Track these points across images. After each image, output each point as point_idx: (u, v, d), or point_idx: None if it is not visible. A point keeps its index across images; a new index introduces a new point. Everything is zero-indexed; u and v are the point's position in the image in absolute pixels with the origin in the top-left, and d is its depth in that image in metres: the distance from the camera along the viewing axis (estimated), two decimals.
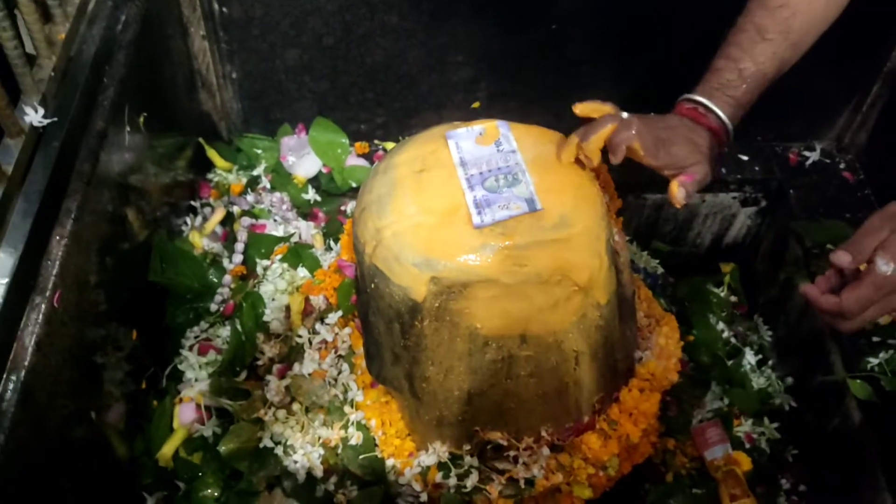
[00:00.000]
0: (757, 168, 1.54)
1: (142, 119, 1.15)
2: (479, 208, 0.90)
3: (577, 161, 0.97)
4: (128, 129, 1.11)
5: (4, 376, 0.80)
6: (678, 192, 0.96)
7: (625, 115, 0.96)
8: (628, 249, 1.08)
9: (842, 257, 0.83)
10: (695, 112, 1.01)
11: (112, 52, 1.13)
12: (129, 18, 1.17)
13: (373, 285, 0.95)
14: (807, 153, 1.55)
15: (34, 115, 1.04)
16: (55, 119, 1.04)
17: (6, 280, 0.87)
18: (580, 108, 0.98)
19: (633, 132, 0.93)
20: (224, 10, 1.35)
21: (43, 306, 0.86)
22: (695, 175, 0.97)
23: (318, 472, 1.10)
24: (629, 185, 1.45)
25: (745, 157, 1.55)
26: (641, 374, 1.09)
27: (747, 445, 1.35)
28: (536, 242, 0.89)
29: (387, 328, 0.98)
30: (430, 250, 0.89)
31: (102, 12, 1.18)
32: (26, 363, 0.81)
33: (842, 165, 1.54)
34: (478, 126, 1.00)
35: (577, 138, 0.96)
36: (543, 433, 1.03)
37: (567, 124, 1.18)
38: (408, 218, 0.92)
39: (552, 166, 0.96)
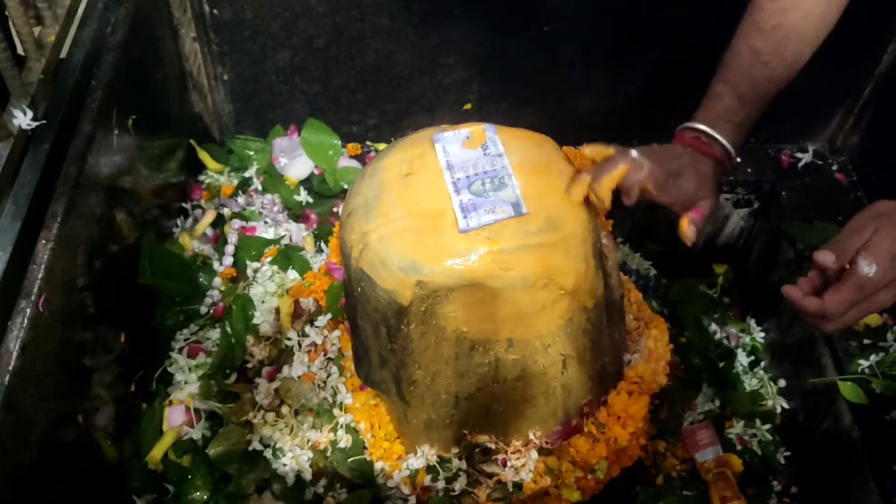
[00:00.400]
0: (749, 170, 1.54)
1: (130, 121, 1.15)
2: (465, 212, 0.90)
3: (587, 200, 0.95)
4: (116, 131, 1.11)
5: None
6: (689, 229, 0.96)
7: (634, 153, 0.95)
8: (617, 252, 1.08)
9: (825, 257, 0.82)
10: (698, 142, 1.01)
11: (101, 55, 1.13)
12: (119, 20, 1.16)
13: (359, 289, 0.95)
14: (799, 155, 1.54)
15: (23, 118, 1.04)
16: (44, 122, 1.04)
17: None
18: (589, 151, 0.98)
19: (646, 172, 0.92)
20: (214, 11, 1.35)
21: (28, 310, 0.86)
22: (703, 210, 0.97)
23: (308, 475, 1.10)
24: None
25: (737, 159, 1.54)
26: (630, 377, 1.09)
27: (739, 447, 1.35)
28: (522, 246, 0.89)
29: (374, 331, 0.98)
30: (416, 254, 0.89)
31: (93, 14, 1.18)
32: (10, 367, 0.81)
33: (834, 167, 1.54)
34: (465, 129, 1.00)
35: (588, 178, 0.94)
36: (531, 436, 1.03)
37: (559, 126, 1.18)
38: (394, 221, 0.92)
39: (539, 170, 0.95)
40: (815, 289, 0.85)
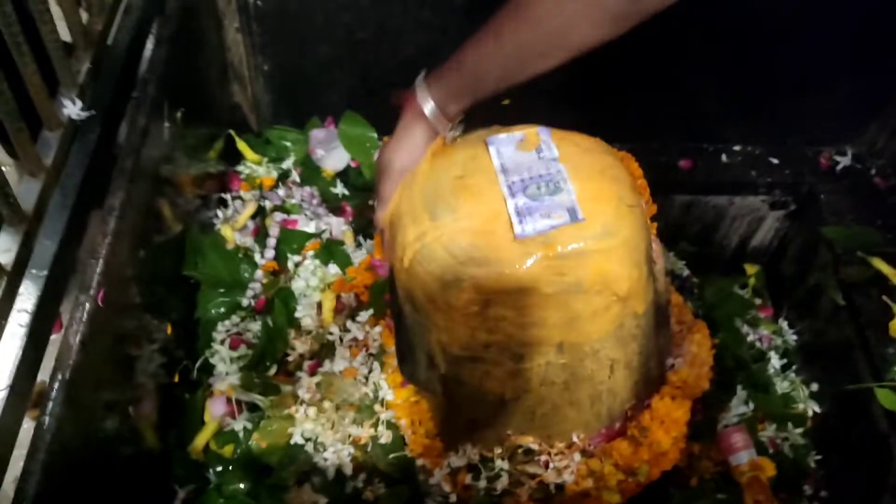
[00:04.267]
0: (787, 171, 1.53)
1: (180, 114, 1.15)
2: (521, 216, 0.90)
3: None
4: (167, 123, 1.12)
5: (50, 375, 0.81)
6: None
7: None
8: (664, 257, 1.08)
9: None
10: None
11: (148, 45, 1.13)
12: (169, 11, 1.16)
13: (411, 290, 0.95)
14: (838, 158, 1.53)
15: (73, 108, 1.04)
16: (92, 112, 1.04)
17: (45, 273, 0.87)
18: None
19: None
20: (259, 2, 1.34)
21: (87, 304, 0.86)
22: None
23: (348, 470, 1.11)
24: (657, 185, 1.45)
25: (775, 161, 1.54)
26: (673, 382, 1.10)
27: (770, 451, 1.35)
28: (578, 252, 0.89)
29: (423, 331, 0.98)
30: (471, 258, 0.89)
31: (138, 3, 1.17)
32: (71, 362, 0.82)
33: (873, 171, 1.53)
34: (518, 132, 1.00)
35: None
36: (575, 438, 1.03)
37: (596, 122, 1.17)
38: (447, 224, 0.92)
39: (593, 174, 0.95)
40: None
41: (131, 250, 1.01)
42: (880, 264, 1.36)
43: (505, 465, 1.05)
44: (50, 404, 0.79)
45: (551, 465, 1.04)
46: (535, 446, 1.04)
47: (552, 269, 0.88)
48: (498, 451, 1.05)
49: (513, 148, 0.97)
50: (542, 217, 0.90)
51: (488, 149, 0.97)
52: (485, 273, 0.89)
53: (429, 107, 0.98)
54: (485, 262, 0.89)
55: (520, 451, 1.05)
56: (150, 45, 1.14)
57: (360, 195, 1.48)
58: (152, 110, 1.06)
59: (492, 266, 0.89)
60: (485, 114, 1.10)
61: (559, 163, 0.95)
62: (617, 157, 1.01)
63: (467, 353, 0.96)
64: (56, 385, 0.80)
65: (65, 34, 1.10)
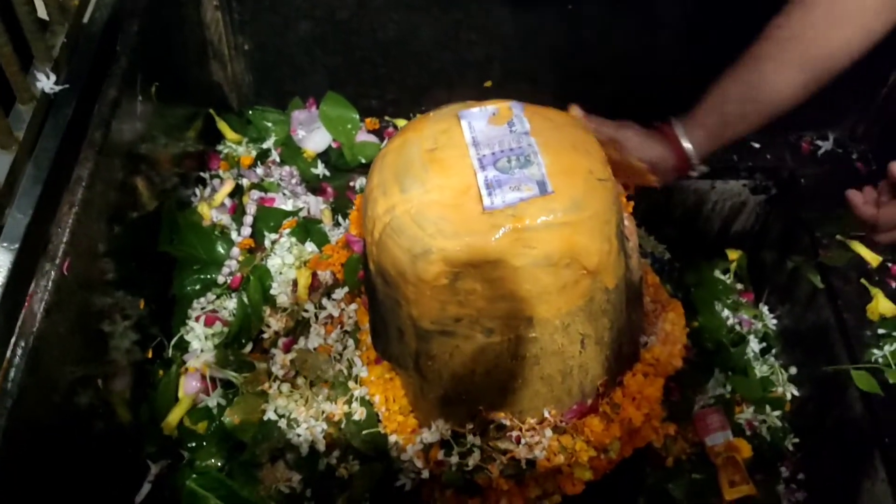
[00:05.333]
0: (768, 156, 1.53)
1: (154, 88, 1.15)
2: (490, 189, 0.90)
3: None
4: (140, 98, 1.11)
5: (13, 342, 0.81)
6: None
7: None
8: (637, 234, 1.08)
9: None
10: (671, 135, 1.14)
11: (125, 20, 1.12)
12: None
13: (381, 263, 0.95)
14: (819, 142, 1.53)
15: (46, 82, 1.04)
16: (67, 86, 1.04)
17: (16, 245, 0.87)
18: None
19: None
20: None
21: (52, 273, 0.86)
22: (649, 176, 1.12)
23: (321, 447, 1.11)
24: None
25: (756, 145, 1.53)
26: (646, 359, 1.10)
27: (748, 433, 1.35)
28: (546, 225, 0.88)
29: (394, 306, 0.98)
30: (440, 230, 0.89)
31: None
32: (35, 329, 0.82)
33: (854, 156, 1.53)
34: (491, 106, 0.99)
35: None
36: (546, 414, 1.03)
37: (581, 106, 1.17)
38: (418, 197, 0.91)
39: (564, 148, 0.95)
40: (876, 201, 0.94)
41: (102, 223, 1.00)
42: (859, 248, 1.36)
43: (477, 440, 1.05)
44: (12, 371, 0.79)
45: (523, 440, 1.03)
46: (506, 422, 1.04)
47: (521, 242, 0.88)
48: (470, 426, 1.05)
49: (485, 122, 0.97)
50: (511, 190, 0.90)
51: (460, 122, 0.97)
52: (453, 245, 0.88)
53: (688, 147, 1.11)
54: (454, 234, 0.89)
55: (492, 426, 1.05)
56: (126, 20, 1.13)
57: (341, 175, 1.48)
58: (124, 83, 1.05)
59: (461, 238, 0.88)
60: (467, 96, 1.10)
61: (530, 136, 0.95)
62: (590, 131, 1.00)
63: (437, 328, 0.96)
64: (19, 352, 0.80)
65: (42, 13, 1.10)
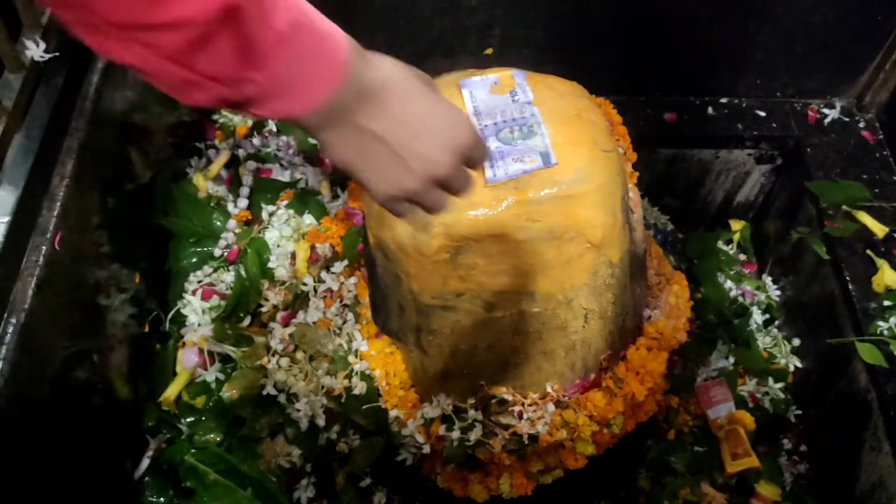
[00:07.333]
0: (774, 125, 1.50)
1: None
2: (493, 161, 0.87)
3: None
4: None
5: (4, 318, 0.79)
6: None
7: None
8: (642, 206, 1.06)
9: None
10: None
11: None
12: None
13: (380, 237, 0.93)
14: (826, 111, 1.51)
15: (36, 50, 1.01)
16: (57, 54, 1.01)
17: (7, 219, 0.85)
18: None
19: None
20: None
21: (43, 248, 0.84)
22: None
23: (321, 421, 1.10)
24: (641, 138, 1.42)
25: (762, 113, 1.51)
26: (650, 333, 1.08)
27: (751, 405, 1.35)
28: (550, 198, 0.86)
29: (394, 280, 0.96)
30: None
31: None
32: (26, 305, 0.80)
33: (861, 124, 1.50)
34: (493, 75, 0.96)
35: None
36: (549, 389, 1.02)
37: (580, 75, 1.14)
38: None
39: (569, 119, 0.92)
40: None
41: (94, 196, 0.98)
42: (865, 218, 1.34)
43: (478, 415, 1.04)
44: (3, 348, 0.77)
45: (525, 415, 1.02)
46: (508, 397, 1.02)
47: (524, 215, 0.86)
48: (471, 401, 1.04)
49: (486, 91, 0.94)
50: (514, 161, 0.87)
51: (461, 92, 0.94)
52: (455, 219, 0.86)
53: None
54: (455, 207, 0.86)
55: (493, 401, 1.03)
56: None
57: None
58: None
59: (462, 211, 0.86)
60: (467, 64, 1.07)
61: (533, 106, 0.92)
62: (594, 101, 0.98)
63: (438, 302, 0.94)
64: (10, 329, 0.78)
65: None
